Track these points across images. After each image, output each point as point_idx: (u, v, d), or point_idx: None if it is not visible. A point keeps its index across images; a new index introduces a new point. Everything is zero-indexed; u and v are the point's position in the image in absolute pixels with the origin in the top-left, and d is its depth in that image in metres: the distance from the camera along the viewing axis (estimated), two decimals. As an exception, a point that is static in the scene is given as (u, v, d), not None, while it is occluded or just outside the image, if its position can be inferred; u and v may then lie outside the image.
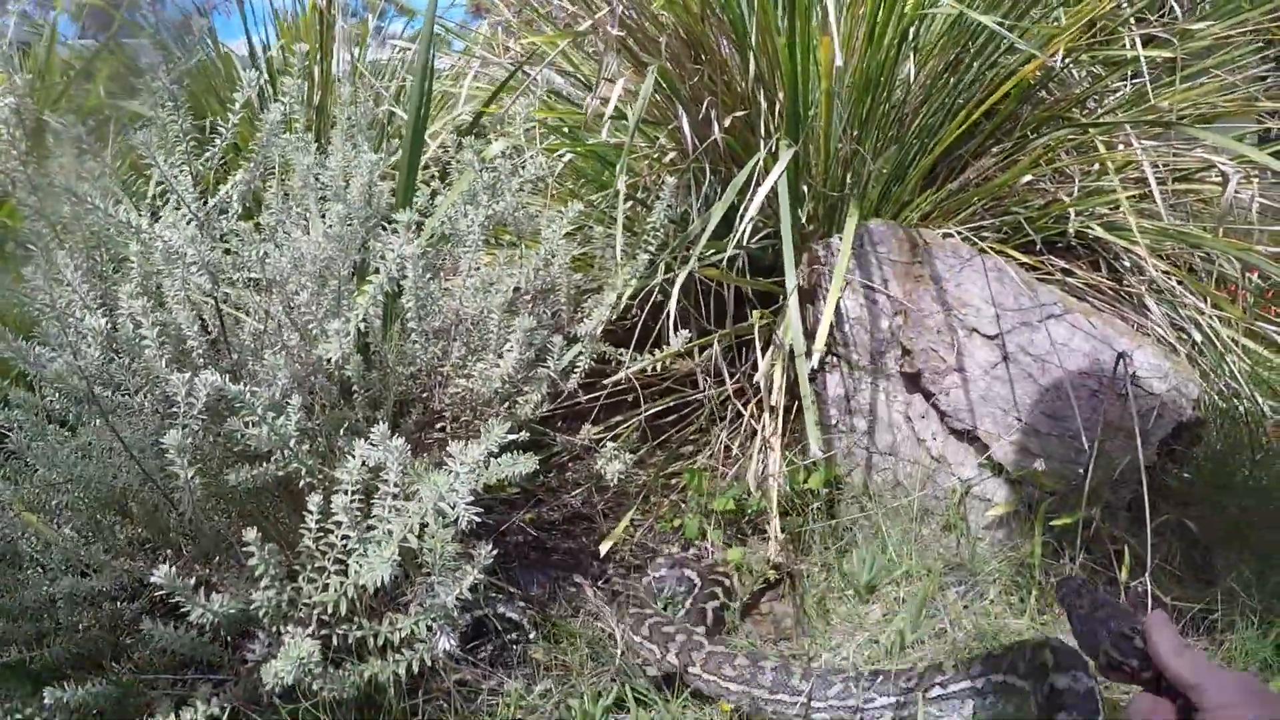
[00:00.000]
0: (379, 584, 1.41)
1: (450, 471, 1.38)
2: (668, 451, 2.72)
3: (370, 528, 1.58)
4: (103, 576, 1.76)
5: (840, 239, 2.55)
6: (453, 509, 1.40)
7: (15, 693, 1.83)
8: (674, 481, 2.69)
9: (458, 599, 1.51)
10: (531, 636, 2.02)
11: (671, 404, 2.75)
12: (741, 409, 2.67)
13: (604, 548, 2.26)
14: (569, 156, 3.03)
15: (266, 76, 4.27)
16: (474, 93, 3.62)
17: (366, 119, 2.31)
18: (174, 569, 1.42)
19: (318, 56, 4.00)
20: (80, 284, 1.76)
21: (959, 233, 2.70)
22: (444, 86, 4.21)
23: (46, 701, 1.68)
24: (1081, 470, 2.32)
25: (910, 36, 2.77)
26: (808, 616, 2.21)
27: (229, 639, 1.81)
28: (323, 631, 1.54)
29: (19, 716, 1.71)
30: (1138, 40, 2.84)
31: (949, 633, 2.14)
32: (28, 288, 2.03)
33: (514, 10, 3.94)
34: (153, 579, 1.41)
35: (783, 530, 2.38)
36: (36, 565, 1.98)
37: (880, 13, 2.61)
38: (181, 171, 1.73)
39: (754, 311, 2.67)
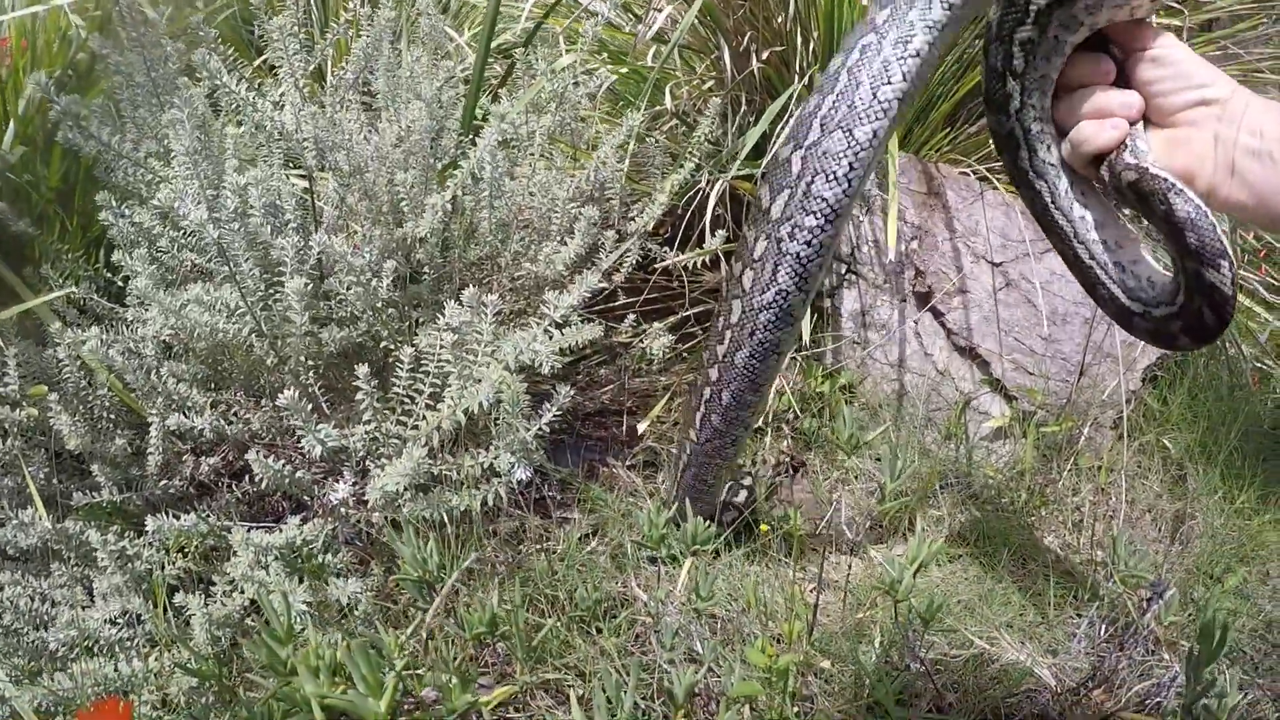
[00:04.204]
0: (480, 406, 1.64)
1: (545, 316, 1.62)
2: (694, 359, 2.94)
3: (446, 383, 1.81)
4: (203, 418, 1.97)
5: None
6: (535, 356, 1.63)
7: (108, 529, 2.03)
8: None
9: (536, 434, 1.74)
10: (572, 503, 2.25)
11: (699, 312, 2.96)
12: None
13: (641, 427, 2.49)
14: (611, 78, 3.23)
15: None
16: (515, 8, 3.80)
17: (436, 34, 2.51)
18: (294, 392, 1.64)
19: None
20: (192, 148, 1.96)
21: (973, 170, 2.92)
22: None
23: (149, 529, 1.90)
24: (1072, 389, 2.57)
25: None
26: (821, 500, 2.45)
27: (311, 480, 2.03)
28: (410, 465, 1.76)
29: (114, 545, 1.92)
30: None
31: (945, 521, 2.38)
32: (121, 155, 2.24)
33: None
34: (279, 402, 1.64)
35: (794, 429, 2.63)
36: (125, 421, 2.20)
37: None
38: (294, 51, 1.94)
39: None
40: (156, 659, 1.83)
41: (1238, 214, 1.10)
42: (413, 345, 1.83)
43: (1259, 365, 3.04)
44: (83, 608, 1.92)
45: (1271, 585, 2.26)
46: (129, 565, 1.91)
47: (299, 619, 1.61)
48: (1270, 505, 2.41)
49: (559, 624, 1.60)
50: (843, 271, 2.81)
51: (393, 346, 1.96)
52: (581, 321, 1.87)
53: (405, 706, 1.23)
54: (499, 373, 1.63)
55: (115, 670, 1.72)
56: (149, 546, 1.94)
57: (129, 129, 2.37)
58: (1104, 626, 1.99)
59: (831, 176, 1.52)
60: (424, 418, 1.78)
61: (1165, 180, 1.08)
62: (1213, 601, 2.07)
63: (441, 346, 1.73)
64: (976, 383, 2.69)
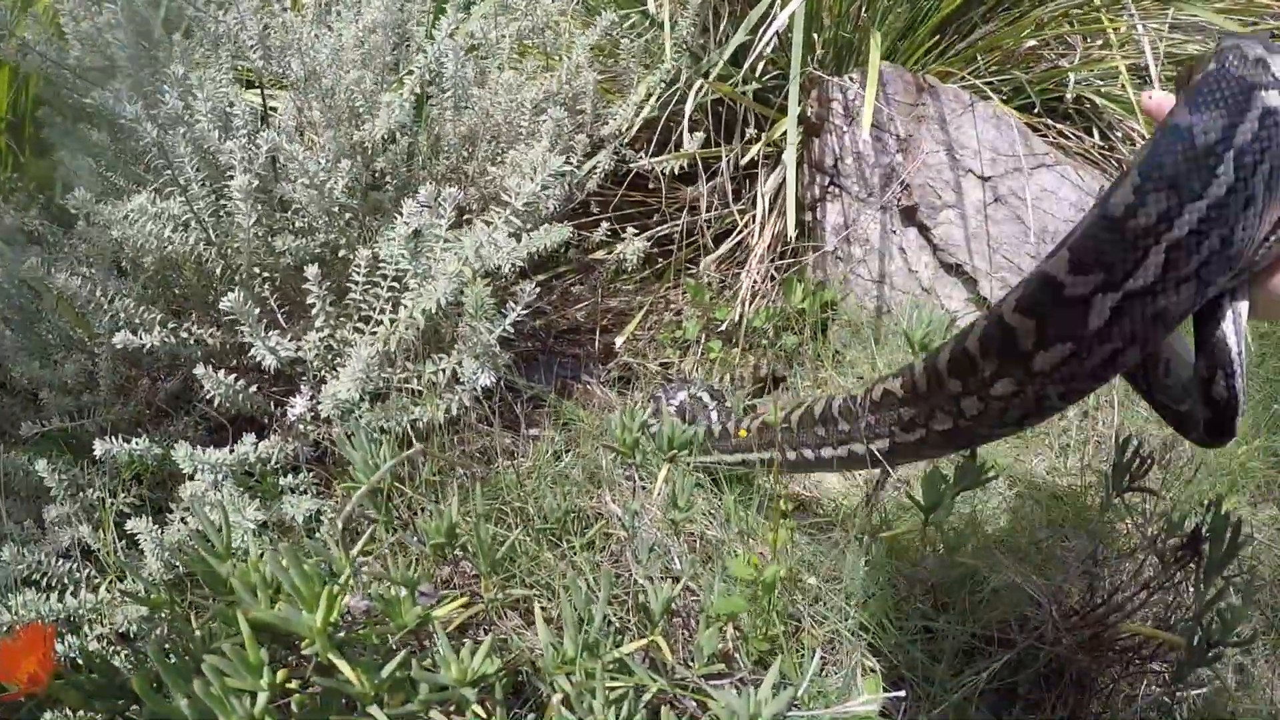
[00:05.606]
0: (441, 308, 1.53)
1: (506, 204, 1.51)
2: (669, 279, 2.84)
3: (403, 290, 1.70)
4: (152, 335, 1.85)
5: (849, 78, 2.67)
6: (497, 252, 1.52)
7: (59, 458, 1.92)
8: (673, 305, 2.81)
9: (500, 337, 1.62)
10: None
11: (676, 228, 2.85)
12: (738, 220, 2.79)
13: (617, 342, 2.39)
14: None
15: None
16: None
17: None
18: (241, 295, 1.53)
19: None
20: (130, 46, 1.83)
21: (964, 82, 2.81)
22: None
23: (97, 454, 1.80)
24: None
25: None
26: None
27: (269, 398, 1.92)
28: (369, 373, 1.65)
29: (65, 474, 1.82)
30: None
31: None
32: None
33: None
34: (222, 304, 1.53)
35: (775, 345, 2.54)
36: (77, 346, 2.09)
37: None
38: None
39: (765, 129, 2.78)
40: (108, 589, 1.73)
41: None
42: (370, 249, 1.71)
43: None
44: (34, 542, 1.82)
45: (1260, 512, 2.20)
46: (80, 494, 1.81)
47: (245, 536, 1.51)
48: (1261, 434, 2.34)
49: (527, 537, 1.50)
50: (825, 184, 2.70)
51: (351, 256, 1.85)
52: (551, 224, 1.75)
53: (349, 622, 1.13)
54: (455, 265, 1.52)
55: (61, 602, 1.62)
56: (101, 474, 1.84)
57: (71, 46, 2.25)
58: (1099, 548, 1.91)
59: None
60: (381, 324, 1.67)
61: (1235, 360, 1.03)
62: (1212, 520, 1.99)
63: (399, 245, 1.61)
64: (963, 301, 2.59)
